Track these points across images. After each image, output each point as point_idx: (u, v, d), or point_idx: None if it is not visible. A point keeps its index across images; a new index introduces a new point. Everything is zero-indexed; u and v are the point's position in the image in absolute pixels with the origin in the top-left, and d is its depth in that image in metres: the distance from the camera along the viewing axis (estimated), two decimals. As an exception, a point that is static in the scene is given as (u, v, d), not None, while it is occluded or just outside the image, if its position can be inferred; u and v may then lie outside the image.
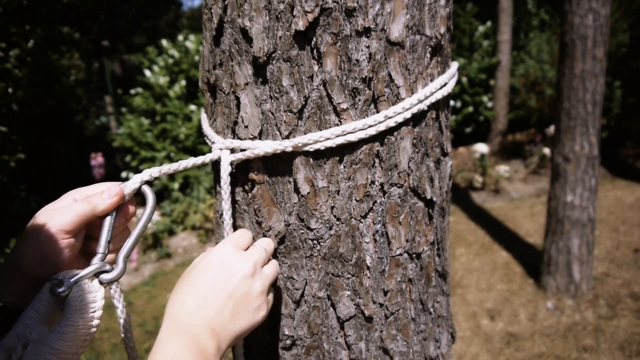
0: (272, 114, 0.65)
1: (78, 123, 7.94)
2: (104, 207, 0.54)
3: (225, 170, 0.66)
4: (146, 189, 0.59)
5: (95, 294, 0.50)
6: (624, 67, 6.55)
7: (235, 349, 0.74)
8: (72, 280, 0.48)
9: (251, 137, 0.67)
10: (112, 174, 7.05)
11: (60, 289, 0.47)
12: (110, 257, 0.56)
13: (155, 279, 4.40)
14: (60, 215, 0.52)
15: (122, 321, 0.57)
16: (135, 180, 0.58)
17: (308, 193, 0.66)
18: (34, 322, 0.47)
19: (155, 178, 0.61)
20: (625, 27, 6.33)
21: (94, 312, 0.49)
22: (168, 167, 0.61)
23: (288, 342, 0.73)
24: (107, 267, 0.52)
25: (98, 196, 0.55)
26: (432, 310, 0.78)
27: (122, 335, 0.58)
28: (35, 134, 6.08)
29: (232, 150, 0.68)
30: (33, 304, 0.48)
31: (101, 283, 0.52)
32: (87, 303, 0.48)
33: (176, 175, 5.80)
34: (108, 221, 0.55)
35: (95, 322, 0.49)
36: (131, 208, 0.58)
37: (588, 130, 3.27)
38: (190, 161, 0.65)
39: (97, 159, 5.14)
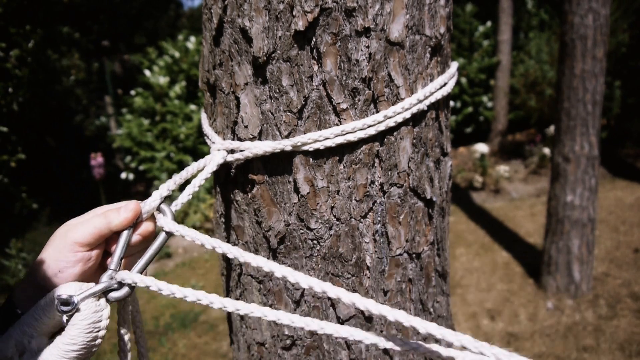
0: (272, 114, 0.65)
1: (78, 123, 7.93)
2: (118, 221, 0.54)
3: (211, 169, 0.65)
4: (165, 208, 0.58)
5: (101, 313, 0.49)
6: (624, 67, 6.55)
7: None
8: (79, 298, 0.47)
9: (251, 137, 0.67)
10: (112, 174, 7.05)
11: (67, 308, 0.46)
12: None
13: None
14: (77, 229, 0.52)
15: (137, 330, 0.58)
16: (154, 198, 0.57)
17: (308, 193, 0.66)
18: (33, 331, 0.47)
19: (173, 190, 0.61)
20: (625, 27, 6.33)
21: (97, 331, 0.48)
22: (179, 177, 0.62)
23: (288, 342, 0.73)
24: (115, 285, 0.52)
25: (114, 211, 0.54)
26: (432, 310, 0.78)
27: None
28: (35, 134, 6.08)
29: (232, 151, 0.68)
30: (34, 312, 0.47)
31: (108, 301, 0.51)
32: (92, 322, 0.47)
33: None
34: (123, 237, 0.54)
35: (99, 341, 0.49)
36: (150, 226, 0.57)
37: (588, 130, 3.27)
38: (194, 166, 0.65)
39: (97, 159, 5.13)
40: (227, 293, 0.84)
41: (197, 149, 6.23)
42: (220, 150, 0.68)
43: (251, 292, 0.76)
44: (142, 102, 6.22)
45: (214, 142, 0.71)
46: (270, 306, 0.73)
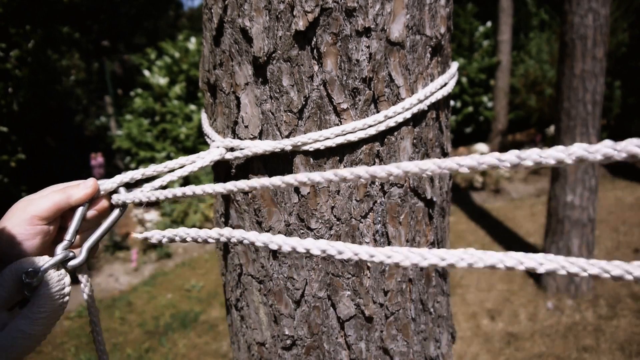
0: (272, 114, 0.65)
1: (78, 123, 7.93)
2: (78, 196, 0.57)
3: (202, 164, 0.66)
4: (122, 190, 0.62)
5: (64, 280, 0.53)
6: (624, 67, 6.55)
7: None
8: (43, 269, 0.51)
9: (251, 137, 0.67)
10: (112, 174, 7.03)
11: (33, 280, 0.50)
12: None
13: (155, 279, 4.40)
14: (36, 203, 0.55)
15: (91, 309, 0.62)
16: (114, 180, 0.61)
17: (308, 193, 0.66)
18: None
19: (139, 181, 0.63)
20: (625, 26, 6.33)
21: (63, 297, 0.52)
22: (153, 169, 0.65)
23: (288, 342, 0.73)
24: (72, 254, 0.56)
25: (74, 187, 0.58)
26: (432, 310, 0.78)
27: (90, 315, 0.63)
28: (35, 134, 6.08)
29: (232, 150, 0.68)
30: None
31: (66, 270, 0.55)
32: (57, 290, 0.51)
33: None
34: (79, 211, 0.58)
35: (64, 306, 0.53)
36: (105, 203, 0.61)
37: (588, 130, 3.27)
38: (180, 160, 0.65)
39: (97, 159, 5.14)
40: (227, 293, 0.84)
41: (197, 149, 6.22)
42: (219, 148, 0.68)
43: (251, 292, 0.76)
44: (141, 103, 6.22)
45: (213, 140, 0.71)
46: (271, 306, 0.73)
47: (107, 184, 0.61)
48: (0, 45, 4.80)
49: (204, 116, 0.79)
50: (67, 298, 0.53)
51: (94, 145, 7.31)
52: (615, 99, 6.36)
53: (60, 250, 0.55)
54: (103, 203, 0.61)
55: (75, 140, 7.51)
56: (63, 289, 0.52)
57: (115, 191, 0.62)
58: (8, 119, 4.99)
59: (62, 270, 0.54)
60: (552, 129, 6.25)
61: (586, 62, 3.18)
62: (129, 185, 0.63)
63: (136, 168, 6.16)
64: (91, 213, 0.60)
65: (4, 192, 4.91)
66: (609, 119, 6.76)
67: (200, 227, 5.29)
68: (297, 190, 0.66)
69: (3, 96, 4.85)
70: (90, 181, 0.59)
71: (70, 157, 7.10)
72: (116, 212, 0.61)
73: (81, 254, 0.57)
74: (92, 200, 0.60)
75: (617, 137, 6.85)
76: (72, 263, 0.55)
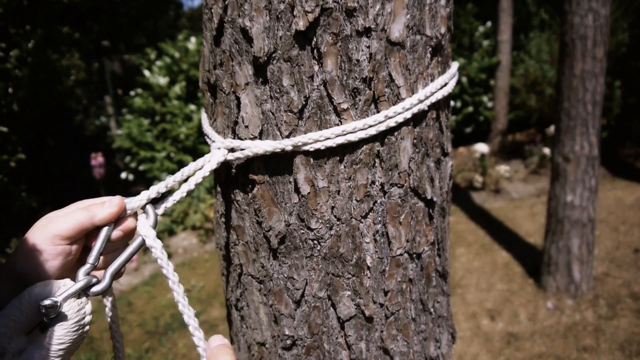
0: (273, 114, 0.65)
1: (78, 123, 7.94)
2: (102, 215, 0.53)
3: (210, 167, 0.65)
4: (150, 209, 0.58)
5: (84, 309, 0.50)
6: (624, 67, 6.55)
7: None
8: (61, 299, 0.47)
9: (251, 137, 0.67)
10: (113, 174, 7.05)
11: (51, 311, 0.47)
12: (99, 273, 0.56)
13: (155, 279, 4.40)
14: (58, 221, 0.51)
15: (115, 342, 0.59)
16: (141, 197, 0.57)
17: (308, 193, 0.66)
18: (11, 332, 0.46)
19: (163, 194, 0.60)
20: (625, 26, 6.33)
21: (83, 327, 0.49)
22: (173, 179, 0.61)
23: (288, 342, 0.73)
24: (94, 279, 0.52)
25: (98, 205, 0.54)
26: (432, 310, 0.78)
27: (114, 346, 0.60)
28: (35, 134, 6.08)
29: (232, 150, 0.68)
30: (9, 313, 0.47)
31: (86, 295, 0.52)
32: (77, 321, 0.48)
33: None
34: (104, 232, 0.54)
35: (84, 335, 0.49)
36: (132, 223, 0.57)
37: (588, 130, 3.27)
38: (192, 166, 0.65)
39: (98, 159, 5.14)
40: (228, 293, 0.84)
41: (197, 149, 6.23)
42: (220, 149, 0.68)
43: (251, 292, 0.76)
44: (141, 103, 6.22)
45: (214, 141, 0.71)
46: (271, 306, 0.73)
47: (134, 202, 0.57)
48: (0, 45, 4.80)
49: (204, 116, 0.79)
50: (87, 328, 0.50)
51: (94, 145, 7.31)
52: (615, 99, 6.36)
53: (81, 276, 0.51)
54: (129, 223, 0.56)
55: (75, 140, 7.51)
56: (83, 318, 0.49)
57: (143, 208, 0.58)
58: (8, 119, 4.99)
59: (83, 298, 0.50)
60: (552, 129, 6.25)
61: (586, 62, 3.18)
62: (155, 201, 0.60)
63: (136, 168, 6.17)
64: (116, 234, 0.55)
65: (4, 192, 4.91)
66: (609, 119, 6.76)
67: (200, 227, 5.30)
68: (297, 190, 0.66)
69: (3, 96, 4.85)
70: (116, 199, 0.55)
71: (70, 157, 7.11)
72: (139, 239, 0.57)
73: (104, 280, 0.53)
74: (118, 219, 0.56)
75: (617, 137, 6.83)
76: (94, 289, 0.52)
